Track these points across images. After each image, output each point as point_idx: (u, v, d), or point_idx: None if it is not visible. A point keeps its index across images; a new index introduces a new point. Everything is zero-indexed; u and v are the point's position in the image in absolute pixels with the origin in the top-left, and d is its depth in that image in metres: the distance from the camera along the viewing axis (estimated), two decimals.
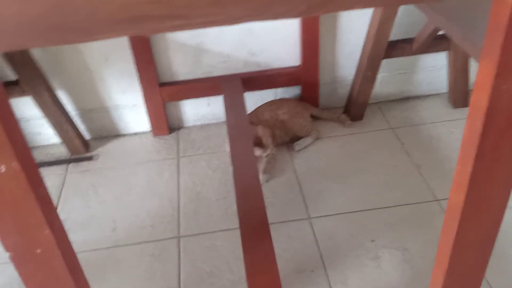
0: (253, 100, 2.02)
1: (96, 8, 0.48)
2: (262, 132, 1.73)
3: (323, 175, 1.75)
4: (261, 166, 1.72)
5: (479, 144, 0.63)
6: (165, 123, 1.99)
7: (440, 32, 1.77)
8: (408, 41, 1.79)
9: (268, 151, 1.72)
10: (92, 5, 0.48)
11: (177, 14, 0.48)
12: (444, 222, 0.80)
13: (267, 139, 1.73)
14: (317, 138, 1.92)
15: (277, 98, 2.03)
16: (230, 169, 1.76)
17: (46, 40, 0.51)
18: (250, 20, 0.49)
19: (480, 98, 0.61)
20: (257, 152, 1.75)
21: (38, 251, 0.68)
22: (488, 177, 0.67)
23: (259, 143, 1.71)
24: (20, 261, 0.68)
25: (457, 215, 0.73)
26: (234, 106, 1.72)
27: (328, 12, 0.48)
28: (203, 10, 0.48)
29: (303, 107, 1.93)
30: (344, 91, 2.03)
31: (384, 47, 1.73)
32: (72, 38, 0.51)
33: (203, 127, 2.05)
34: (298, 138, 1.90)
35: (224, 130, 1.97)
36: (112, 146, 1.98)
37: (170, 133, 2.02)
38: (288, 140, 1.90)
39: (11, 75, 1.74)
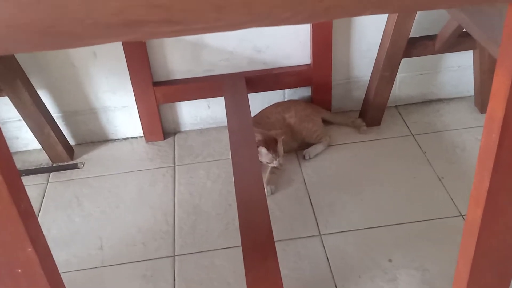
0: (258, 102, 2.02)
1: (90, 12, 0.50)
2: (277, 136, 1.73)
3: (336, 187, 1.75)
4: (264, 176, 1.74)
5: (496, 157, 0.64)
6: (160, 127, 2.00)
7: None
8: (430, 38, 1.79)
9: (275, 163, 1.73)
10: (86, 9, 0.49)
11: (175, 20, 0.50)
12: (462, 240, 0.81)
13: (280, 148, 1.73)
14: (329, 145, 1.93)
15: (285, 100, 2.04)
16: (232, 179, 1.75)
17: (37, 45, 0.53)
18: (252, 26, 0.51)
19: (495, 108, 0.63)
20: (265, 157, 1.74)
21: (19, 271, 0.67)
22: (506, 191, 0.69)
23: (269, 145, 1.71)
24: None
25: (474, 232, 0.75)
26: (237, 109, 1.73)
27: (332, 19, 0.51)
28: (204, 16, 0.49)
29: (314, 110, 1.94)
30: (359, 93, 2.04)
31: (404, 44, 1.74)
32: (65, 43, 0.53)
33: (202, 131, 2.05)
34: (307, 145, 1.90)
35: (225, 136, 1.96)
36: (99, 153, 1.98)
37: (165, 138, 2.03)
38: (297, 147, 1.91)
39: None
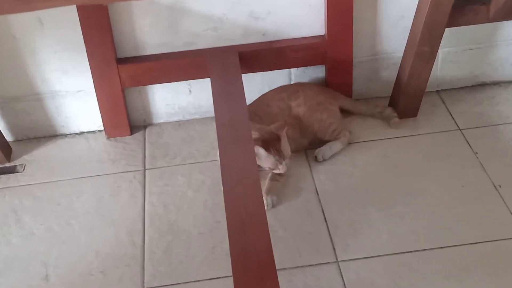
0: (256, 85, 2.02)
1: None
2: (279, 130, 1.74)
3: (358, 198, 1.75)
4: (263, 184, 1.74)
5: None
6: (125, 118, 2.01)
7: None
8: (483, 1, 1.78)
9: (280, 168, 1.74)
10: None
11: None
12: None
13: (285, 147, 1.74)
14: (349, 143, 1.93)
15: (291, 83, 2.04)
16: (220, 187, 1.68)
17: None
18: None
19: None
20: (265, 161, 1.73)
21: None
22: None
23: (269, 145, 1.71)
24: None
25: None
26: (227, 94, 1.73)
27: None
28: None
29: (329, 97, 1.94)
30: (389, 73, 2.04)
31: (448, 10, 1.74)
32: (8, 6, 0.53)
33: (181, 124, 2.07)
34: (320, 142, 1.91)
35: (212, 130, 1.95)
36: (45, 152, 2.00)
37: (132, 133, 2.05)
38: (307, 145, 1.92)
39: None
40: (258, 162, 1.68)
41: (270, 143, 1.72)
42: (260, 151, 1.69)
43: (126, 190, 1.85)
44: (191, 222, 1.73)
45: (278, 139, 1.73)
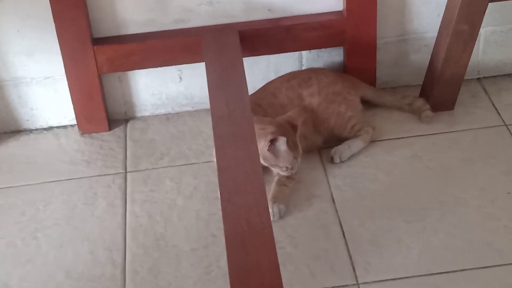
0: (260, 71, 2.02)
1: None
2: (296, 119, 1.75)
3: (383, 208, 1.75)
4: (268, 190, 1.74)
5: None
6: (103, 110, 2.01)
7: None
8: None
9: (293, 168, 1.74)
10: None
11: None
12: None
13: (296, 145, 1.74)
14: (372, 141, 1.93)
15: (302, 68, 2.03)
16: (216, 194, 1.73)
17: None
18: None
19: None
20: (283, 159, 1.73)
21: None
22: None
23: (288, 136, 1.72)
24: None
25: None
26: (225, 82, 1.72)
27: None
28: None
29: (348, 86, 1.94)
30: (420, 58, 2.04)
31: None
32: None
33: (169, 118, 2.06)
34: (338, 140, 1.91)
35: (207, 125, 1.96)
36: (6, 151, 1.99)
37: (111, 128, 2.05)
38: (321, 144, 1.92)
39: None
40: (272, 162, 1.72)
41: (289, 135, 1.73)
42: (281, 145, 1.69)
43: (104, 197, 1.85)
44: (182, 236, 1.73)
45: (294, 130, 1.75)
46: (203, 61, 1.90)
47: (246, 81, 1.76)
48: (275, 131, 1.71)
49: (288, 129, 1.74)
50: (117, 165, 1.95)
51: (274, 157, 1.71)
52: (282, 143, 1.69)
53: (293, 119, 1.76)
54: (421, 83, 2.08)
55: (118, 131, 2.07)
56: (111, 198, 1.85)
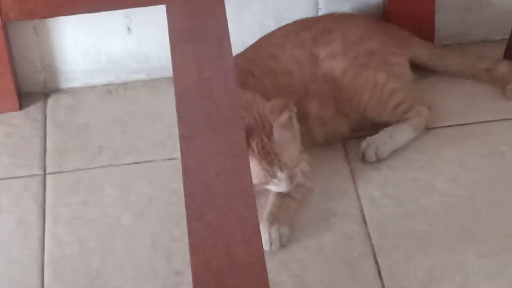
0: (252, 16, 1.87)
1: None
2: (276, 114, 1.59)
3: (441, 234, 1.55)
4: (262, 206, 1.62)
5: None
6: (11, 79, 1.84)
7: None
8: None
9: (275, 183, 1.57)
10: None
11: None
12: None
13: (292, 150, 1.59)
14: (427, 129, 1.72)
15: (319, 14, 1.87)
16: (181, 209, 1.51)
17: None
18: None
19: None
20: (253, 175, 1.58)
21: None
22: None
23: (251, 136, 1.58)
24: None
25: None
26: (197, 35, 1.50)
27: None
28: None
29: (390, 42, 1.77)
30: (500, 3, 1.89)
31: None
32: None
33: (112, 91, 1.89)
34: (373, 126, 1.72)
35: (168, 101, 1.67)
36: None
37: (23, 107, 1.87)
38: (346, 132, 1.73)
39: None
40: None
41: (255, 136, 1.57)
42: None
43: (11, 213, 1.64)
44: (129, 273, 1.53)
45: (269, 129, 1.57)
46: (163, 3, 1.63)
47: (229, 34, 1.50)
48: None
49: (262, 125, 1.58)
50: (31, 163, 1.72)
51: None
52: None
53: (271, 112, 1.57)
54: (507, 37, 1.84)
55: (33, 110, 1.85)
56: (21, 214, 1.63)
